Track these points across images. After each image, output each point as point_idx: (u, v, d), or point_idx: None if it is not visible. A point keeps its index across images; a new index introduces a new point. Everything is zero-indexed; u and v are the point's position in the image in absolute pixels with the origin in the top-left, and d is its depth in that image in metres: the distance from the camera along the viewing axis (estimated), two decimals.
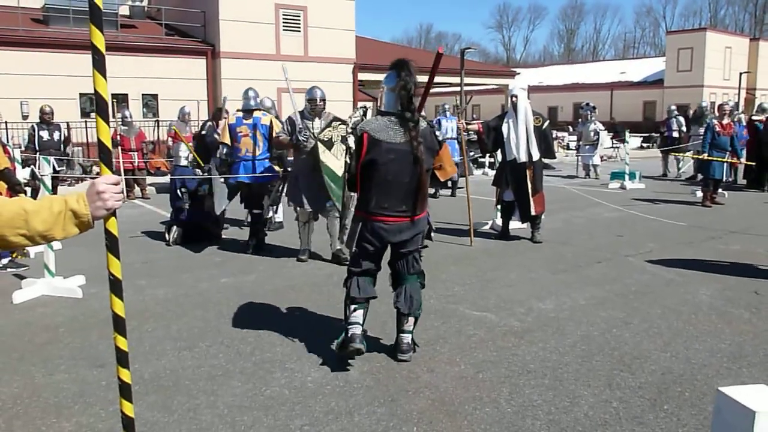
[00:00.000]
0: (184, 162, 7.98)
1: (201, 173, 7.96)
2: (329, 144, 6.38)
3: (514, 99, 7.58)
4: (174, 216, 7.88)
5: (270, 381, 3.75)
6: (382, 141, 3.76)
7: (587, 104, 16.44)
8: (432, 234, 4.17)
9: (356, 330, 3.90)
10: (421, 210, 3.90)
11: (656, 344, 4.29)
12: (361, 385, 3.68)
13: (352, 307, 3.96)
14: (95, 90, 1.71)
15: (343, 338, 3.97)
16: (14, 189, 6.33)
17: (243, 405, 3.45)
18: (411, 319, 4.03)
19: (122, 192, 1.74)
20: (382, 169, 3.77)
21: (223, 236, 8.08)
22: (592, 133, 15.69)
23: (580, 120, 17.58)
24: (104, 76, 1.70)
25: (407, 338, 4.04)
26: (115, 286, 1.86)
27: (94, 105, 1.74)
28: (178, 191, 7.76)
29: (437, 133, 3.99)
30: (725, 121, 10.81)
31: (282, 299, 5.39)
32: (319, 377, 3.80)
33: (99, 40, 1.67)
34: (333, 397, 3.53)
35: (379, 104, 4.16)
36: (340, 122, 6.57)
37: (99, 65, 1.69)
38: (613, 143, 21.68)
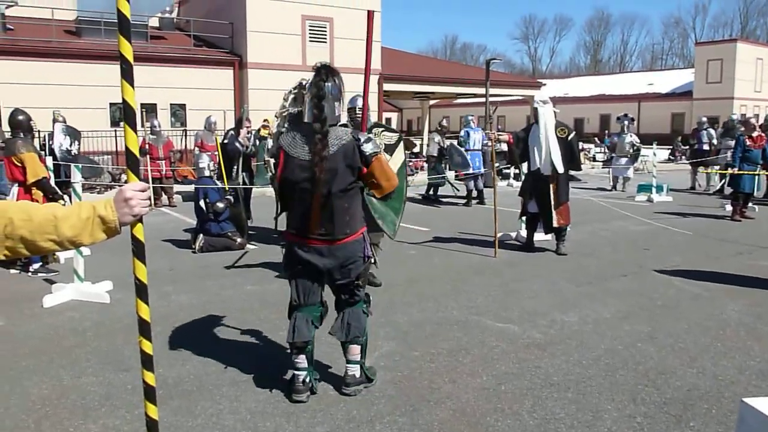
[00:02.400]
0: (207, 173, 8.08)
1: (224, 186, 8.05)
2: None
3: (537, 110, 7.56)
4: (199, 224, 7.97)
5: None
6: (293, 157, 3.39)
7: (625, 115, 15.93)
8: (374, 262, 3.77)
9: (300, 376, 3.60)
10: (342, 233, 3.44)
11: (682, 360, 4.23)
12: (383, 394, 3.68)
13: (294, 350, 3.61)
14: (123, 99, 1.75)
15: (290, 381, 3.72)
16: (52, 198, 6.48)
17: (266, 411, 3.48)
18: (354, 348, 3.66)
19: (149, 199, 1.77)
20: (296, 187, 3.41)
21: (249, 244, 8.15)
22: (627, 146, 15.33)
23: (606, 132, 17.37)
24: (132, 86, 1.75)
25: (353, 369, 3.67)
26: (141, 291, 1.90)
27: (122, 114, 1.78)
28: (201, 202, 7.86)
29: (364, 147, 3.40)
30: (755, 133, 10.63)
31: None
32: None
33: (127, 51, 1.72)
34: (355, 405, 3.54)
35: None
36: (382, 128, 5.76)
37: (127, 75, 1.73)
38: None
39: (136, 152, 1.80)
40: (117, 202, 1.76)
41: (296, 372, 3.62)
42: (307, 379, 3.62)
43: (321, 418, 3.40)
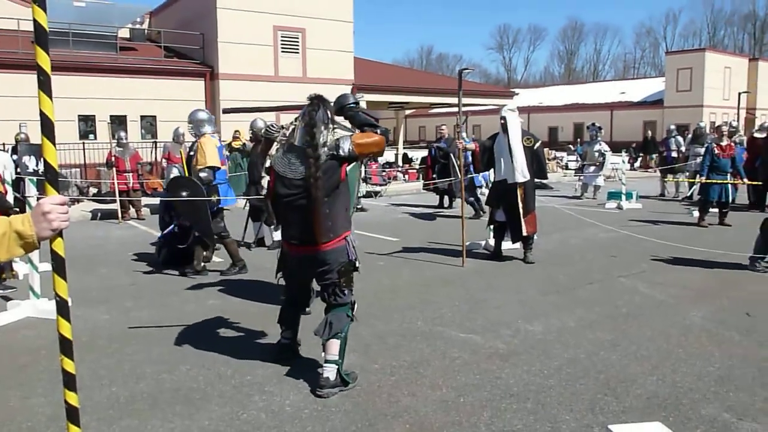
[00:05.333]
0: None
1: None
2: None
3: (503, 121, 7.58)
4: (164, 237, 7.84)
5: (248, 404, 3.69)
6: (283, 177, 3.84)
7: (593, 124, 16.24)
8: (357, 265, 4.01)
9: (284, 344, 4.40)
10: (326, 237, 3.81)
11: (643, 367, 4.22)
12: (340, 409, 3.61)
13: (282, 327, 4.39)
14: (41, 111, 1.69)
15: (276, 346, 4.49)
16: (6, 213, 6.31)
17: (218, 429, 3.39)
18: (332, 344, 3.86)
19: (68, 213, 1.71)
20: (284, 201, 3.88)
21: (214, 258, 8.03)
22: (597, 154, 15.56)
23: (579, 140, 17.53)
24: (50, 97, 1.69)
25: (329, 370, 3.83)
26: (62, 308, 1.83)
27: (41, 126, 1.71)
28: (166, 215, 7.73)
29: (342, 152, 3.77)
30: (724, 142, 10.70)
31: (267, 321, 5.30)
32: (298, 401, 3.74)
33: (44, 61, 1.66)
34: (310, 422, 3.46)
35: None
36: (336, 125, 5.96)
37: (45, 87, 1.68)
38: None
39: (56, 165, 1.73)
40: (35, 215, 1.70)
41: (282, 340, 4.40)
42: (285, 342, 4.38)
43: None
